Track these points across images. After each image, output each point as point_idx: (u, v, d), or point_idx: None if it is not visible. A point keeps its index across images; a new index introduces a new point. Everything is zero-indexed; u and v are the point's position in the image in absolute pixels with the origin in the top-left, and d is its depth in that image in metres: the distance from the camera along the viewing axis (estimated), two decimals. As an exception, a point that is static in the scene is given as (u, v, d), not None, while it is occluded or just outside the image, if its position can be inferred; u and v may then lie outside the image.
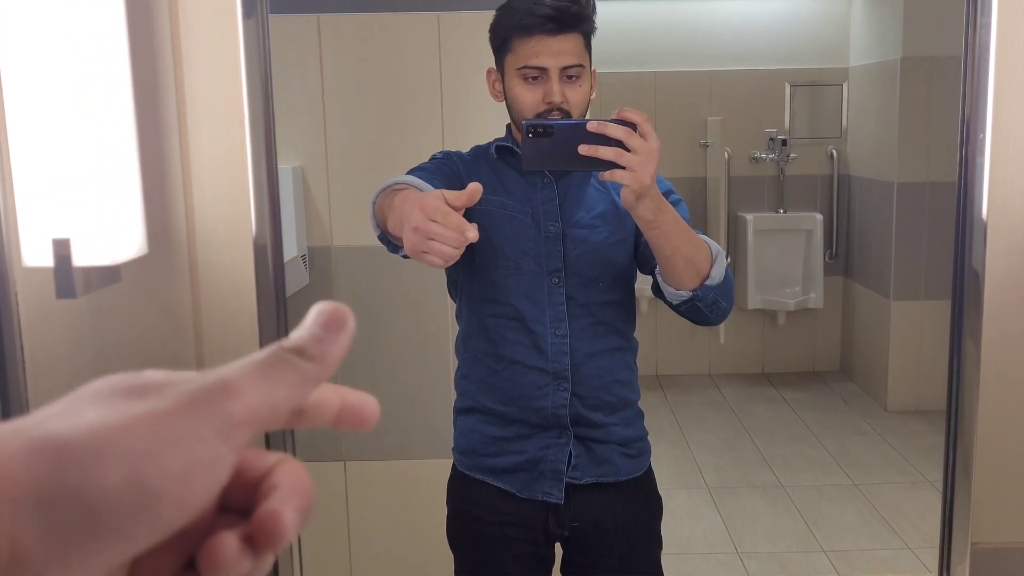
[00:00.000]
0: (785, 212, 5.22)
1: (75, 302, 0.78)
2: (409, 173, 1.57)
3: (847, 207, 5.25)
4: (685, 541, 3.44)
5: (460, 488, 1.72)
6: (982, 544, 0.91)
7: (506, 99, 1.61)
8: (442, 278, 1.75)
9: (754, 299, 5.11)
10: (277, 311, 0.85)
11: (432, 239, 1.14)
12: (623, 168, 1.31)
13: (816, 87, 5.20)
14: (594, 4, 1.58)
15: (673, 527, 3.44)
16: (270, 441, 0.89)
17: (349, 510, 2.80)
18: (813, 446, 4.35)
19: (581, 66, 1.55)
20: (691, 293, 1.49)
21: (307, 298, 2.65)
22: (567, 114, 1.54)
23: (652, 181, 1.34)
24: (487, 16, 2.54)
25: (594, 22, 1.58)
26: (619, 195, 1.45)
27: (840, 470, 4.06)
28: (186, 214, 0.86)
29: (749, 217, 5.13)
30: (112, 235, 0.76)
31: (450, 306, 2.65)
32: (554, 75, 1.53)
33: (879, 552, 3.33)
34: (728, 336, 5.07)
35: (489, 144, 1.70)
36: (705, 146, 5.19)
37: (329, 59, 2.58)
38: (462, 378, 1.71)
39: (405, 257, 1.37)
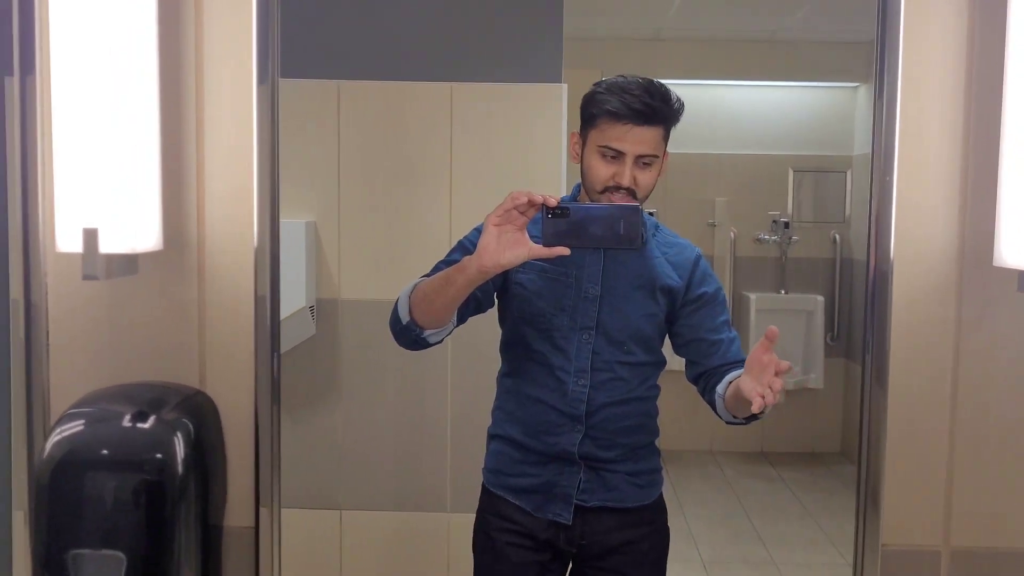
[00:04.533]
0: (787, 293, 5.32)
1: (95, 290, 0.89)
2: (449, 257, 1.79)
3: (849, 290, 5.34)
4: (675, 610, 3.45)
5: (486, 501, 1.92)
6: (891, 545, 0.99)
7: (582, 165, 1.80)
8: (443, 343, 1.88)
9: (756, 377, 5.16)
10: (271, 321, 0.97)
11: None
12: (628, 245, 1.54)
13: (820, 173, 5.35)
14: (681, 103, 1.76)
15: (665, 598, 3.46)
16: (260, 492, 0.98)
17: (343, 559, 2.85)
18: (808, 525, 4.37)
19: (655, 156, 1.73)
20: (741, 419, 1.71)
21: (313, 348, 2.75)
22: (633, 194, 1.72)
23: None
24: (497, 87, 2.70)
25: (679, 118, 1.77)
26: (661, 275, 1.79)
27: (834, 549, 4.07)
28: (197, 224, 0.97)
29: (752, 296, 5.23)
30: (134, 228, 0.88)
31: (449, 366, 2.74)
32: (630, 160, 1.71)
33: (868, 629, 3.34)
34: (730, 414, 5.12)
35: None
36: (713, 226, 5.32)
37: (346, 122, 2.72)
38: (496, 408, 1.93)
39: (416, 346, 1.73)
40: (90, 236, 0.82)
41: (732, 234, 5.11)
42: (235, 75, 1.03)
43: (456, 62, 2.74)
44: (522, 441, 1.83)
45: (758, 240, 5.35)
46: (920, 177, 1.01)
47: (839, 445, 5.42)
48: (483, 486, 1.91)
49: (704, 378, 1.83)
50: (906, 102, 1.01)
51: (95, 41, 0.86)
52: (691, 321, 1.83)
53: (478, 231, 1.77)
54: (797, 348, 5.30)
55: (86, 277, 0.82)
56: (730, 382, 1.71)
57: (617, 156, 1.71)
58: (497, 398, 1.91)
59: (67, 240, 0.86)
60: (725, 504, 4.64)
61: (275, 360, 1.01)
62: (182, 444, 0.91)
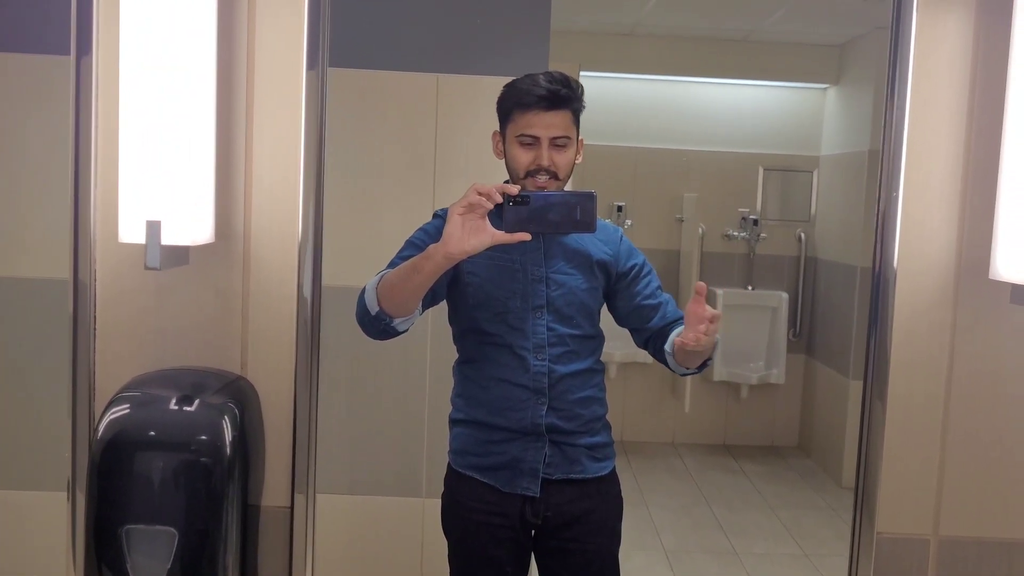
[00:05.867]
0: (753, 289, 5.43)
1: (145, 279, 0.91)
2: (402, 253, 1.91)
3: (812, 288, 5.46)
4: (639, 598, 3.53)
5: (454, 482, 2.03)
6: (885, 533, 1.06)
7: (506, 159, 1.96)
8: (420, 327, 1.96)
9: (719, 371, 5.28)
10: (313, 312, 1.00)
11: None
12: (584, 230, 1.72)
13: (788, 172, 5.45)
14: (582, 88, 1.94)
15: (629, 585, 3.53)
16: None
17: (317, 542, 2.87)
18: (768, 516, 4.47)
19: (567, 137, 1.90)
20: (694, 369, 1.95)
21: (295, 332, 2.77)
22: (553, 175, 1.89)
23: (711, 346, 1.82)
24: (483, 80, 2.74)
25: (582, 101, 1.94)
26: (595, 250, 1.96)
27: (792, 540, 4.18)
28: (244, 216, 1.01)
29: (719, 292, 5.32)
30: (192, 221, 0.91)
31: (429, 351, 2.78)
32: (545, 143, 1.88)
33: (826, 618, 3.44)
34: (692, 406, 5.22)
35: None
36: (680, 221, 5.41)
37: (330, 109, 2.73)
38: (456, 396, 2.05)
39: (384, 335, 1.83)
40: (153, 228, 0.85)
41: (701, 230, 5.20)
42: (285, 64, 1.06)
43: (443, 53, 2.77)
44: (487, 421, 1.95)
45: (727, 236, 5.44)
46: (924, 195, 1.08)
47: (797, 439, 5.55)
48: (449, 467, 2.04)
49: (652, 340, 2.03)
50: (913, 128, 1.08)
51: (162, 35, 0.89)
52: (630, 291, 2.03)
53: (423, 230, 1.96)
54: (761, 343, 5.42)
55: (148, 267, 0.85)
56: (674, 340, 1.94)
57: (533, 142, 1.88)
58: (456, 386, 2.04)
59: (129, 231, 0.89)
60: (687, 495, 4.73)
61: (316, 351, 1.04)
62: (229, 427, 0.95)
